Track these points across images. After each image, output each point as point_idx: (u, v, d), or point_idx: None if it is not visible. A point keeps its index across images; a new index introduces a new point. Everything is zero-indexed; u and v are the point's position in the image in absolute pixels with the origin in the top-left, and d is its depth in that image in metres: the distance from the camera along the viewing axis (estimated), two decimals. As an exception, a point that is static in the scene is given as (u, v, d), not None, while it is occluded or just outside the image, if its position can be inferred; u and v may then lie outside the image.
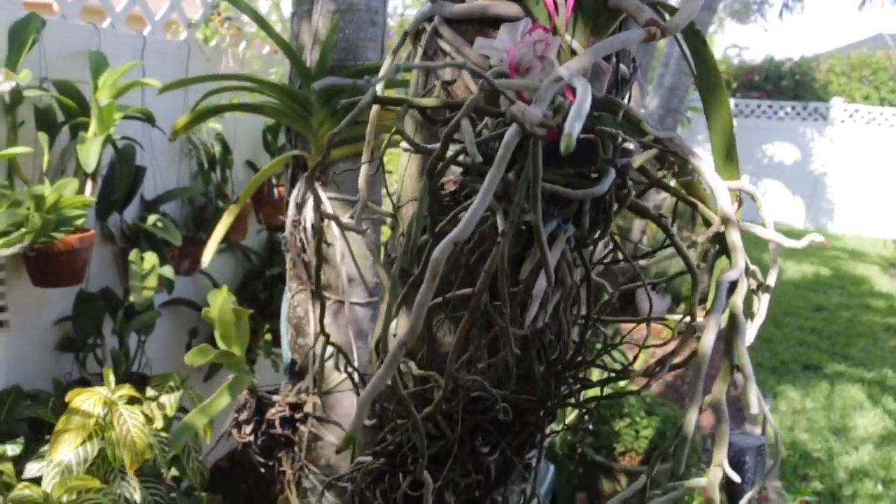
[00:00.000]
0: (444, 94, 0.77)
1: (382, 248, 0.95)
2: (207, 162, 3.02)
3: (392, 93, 1.39)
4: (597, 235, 0.74)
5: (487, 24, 0.76)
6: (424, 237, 0.80)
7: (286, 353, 2.34)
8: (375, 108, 0.91)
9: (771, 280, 0.83)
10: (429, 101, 0.70)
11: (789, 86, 11.66)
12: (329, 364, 1.67)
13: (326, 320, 1.66)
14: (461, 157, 0.73)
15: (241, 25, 3.07)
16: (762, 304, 0.83)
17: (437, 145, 0.80)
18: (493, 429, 0.91)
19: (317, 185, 1.55)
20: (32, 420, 2.36)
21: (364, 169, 0.89)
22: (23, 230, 1.91)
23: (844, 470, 4.07)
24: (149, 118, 2.52)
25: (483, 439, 0.94)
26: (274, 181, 3.40)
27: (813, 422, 4.62)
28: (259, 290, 3.42)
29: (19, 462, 2.15)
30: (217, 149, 3.03)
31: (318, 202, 0.78)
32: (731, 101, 11.40)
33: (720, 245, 0.92)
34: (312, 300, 1.63)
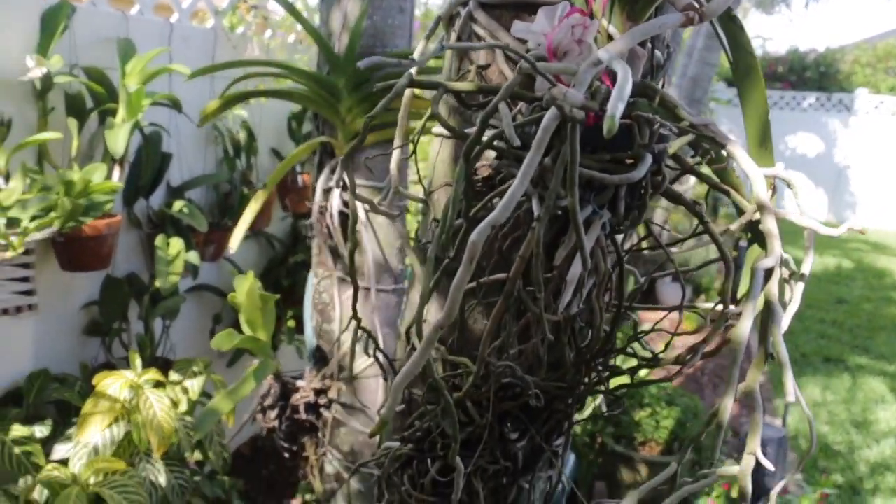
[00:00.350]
0: (479, 78, 0.77)
1: (412, 234, 0.96)
2: (233, 149, 3.04)
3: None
4: (631, 222, 0.74)
5: (522, 8, 0.76)
6: (459, 221, 0.80)
7: (310, 339, 2.36)
8: (408, 93, 0.91)
9: (806, 268, 0.83)
10: (464, 85, 0.70)
11: (813, 77, 11.51)
12: (355, 350, 1.68)
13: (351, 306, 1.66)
14: (496, 142, 0.73)
15: (267, 14, 3.07)
16: (796, 292, 0.82)
17: (473, 129, 0.81)
18: (522, 415, 0.91)
19: (344, 171, 1.55)
20: (59, 403, 2.40)
21: (396, 154, 0.89)
22: (53, 214, 1.93)
23: (865, 463, 4.04)
24: (176, 105, 2.53)
25: (512, 426, 0.94)
26: (298, 168, 3.41)
27: (834, 414, 4.58)
28: (282, 276, 3.44)
29: (47, 444, 2.18)
30: (242, 135, 3.04)
31: (352, 186, 0.79)
32: (756, 92, 11.25)
33: (753, 233, 0.92)
34: (339, 286, 1.63)
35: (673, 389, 3.33)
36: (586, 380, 0.88)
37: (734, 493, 3.28)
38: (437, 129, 0.86)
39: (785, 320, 0.78)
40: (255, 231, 3.35)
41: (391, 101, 0.64)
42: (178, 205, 2.64)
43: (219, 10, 2.98)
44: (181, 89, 2.70)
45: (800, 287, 0.84)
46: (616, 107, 0.51)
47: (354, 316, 0.85)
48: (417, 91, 1.56)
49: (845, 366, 5.39)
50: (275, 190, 3.33)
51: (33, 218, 1.91)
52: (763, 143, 0.87)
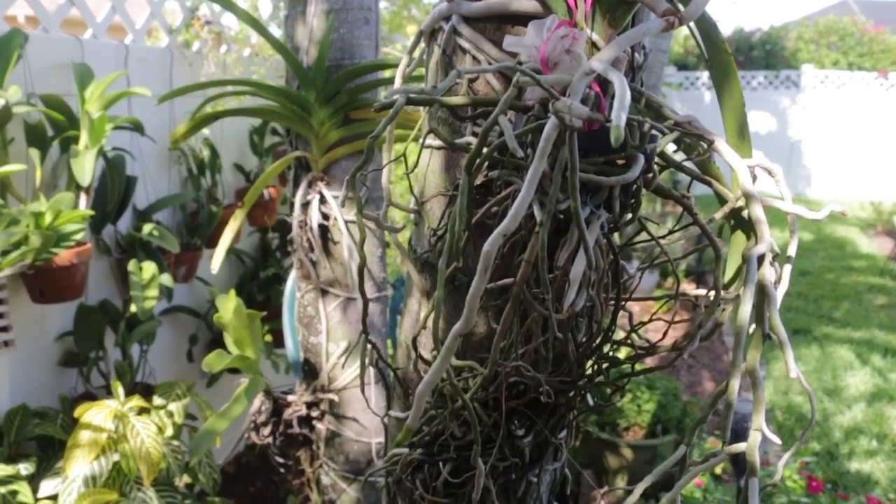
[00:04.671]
0: (469, 90, 0.79)
1: (407, 243, 0.97)
2: (197, 167, 3.01)
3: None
4: (627, 219, 0.76)
5: (505, 20, 0.78)
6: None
7: (291, 352, 2.36)
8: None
9: (791, 250, 0.86)
10: (457, 100, 0.72)
11: (760, 55, 11.75)
12: (342, 361, 1.69)
13: (336, 317, 1.67)
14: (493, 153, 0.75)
15: (220, 29, 3.06)
16: (784, 274, 0.86)
17: (464, 140, 0.83)
18: (528, 412, 0.94)
19: (321, 184, 1.56)
20: (41, 438, 2.36)
21: (387, 170, 0.91)
22: (23, 249, 1.90)
23: (840, 429, 4.15)
24: (138, 128, 2.51)
25: (518, 423, 0.96)
26: (263, 182, 3.40)
27: (806, 385, 4.69)
28: (255, 291, 3.42)
29: (33, 481, 2.15)
30: (206, 153, 3.02)
31: (359, 205, 0.80)
32: (704, 75, 11.47)
33: (736, 220, 0.95)
34: (322, 298, 1.64)
35: (652, 373, 3.39)
36: (588, 372, 0.90)
37: (718, 470, 3.35)
38: (427, 140, 0.88)
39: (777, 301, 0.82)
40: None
41: (391, 120, 0.66)
42: (147, 228, 2.62)
43: (172, 29, 2.96)
44: (141, 111, 2.67)
45: (787, 269, 0.88)
46: (620, 117, 0.53)
47: (364, 331, 0.86)
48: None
49: (813, 336, 5.53)
50: (241, 204, 3.31)
51: (4, 253, 1.88)
52: (741, 135, 0.90)
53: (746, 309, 0.68)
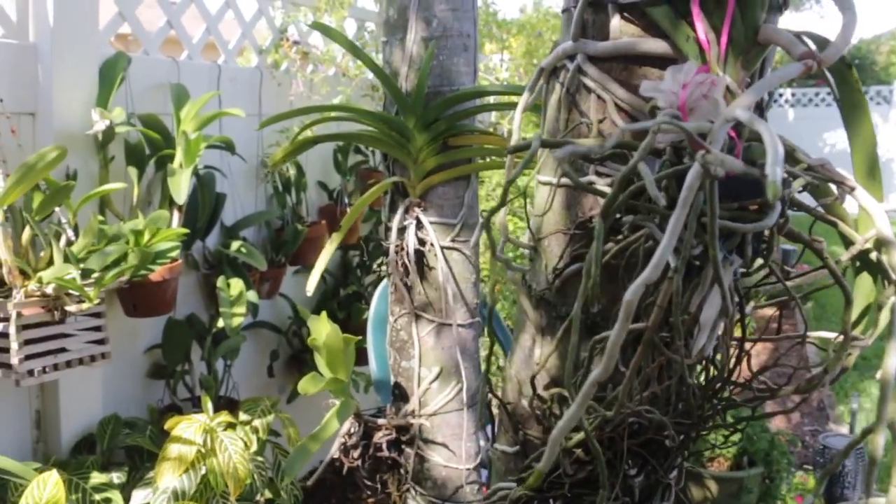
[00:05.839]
0: (598, 132, 0.78)
1: (521, 277, 0.95)
2: (282, 185, 3.07)
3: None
4: (759, 264, 0.74)
5: (632, 60, 0.76)
6: (572, 268, 0.80)
7: (376, 373, 2.36)
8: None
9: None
10: (589, 142, 0.71)
11: (848, 71, 11.32)
12: (434, 387, 1.69)
13: (429, 342, 1.67)
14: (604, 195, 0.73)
15: (308, 49, 3.11)
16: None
17: (587, 179, 0.81)
18: (642, 452, 0.91)
19: (418, 210, 1.57)
20: (130, 447, 2.43)
21: (505, 208, 0.90)
22: (123, 266, 1.96)
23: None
24: (229, 147, 2.57)
25: (631, 462, 0.94)
26: (346, 200, 3.44)
27: (899, 418, 4.48)
28: (336, 309, 3.46)
29: (124, 489, 2.21)
30: (292, 171, 3.07)
31: (493, 246, 0.79)
32: (788, 92, 11.11)
33: (861, 262, 0.91)
34: (416, 323, 1.64)
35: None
36: (708, 414, 0.88)
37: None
38: (543, 177, 0.87)
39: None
40: (306, 265, 3.37)
41: (527, 163, 0.65)
42: (235, 245, 2.67)
43: (262, 49, 3.02)
44: (230, 129, 2.74)
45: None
46: (776, 173, 0.51)
47: (486, 377, 0.85)
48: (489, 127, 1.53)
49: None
50: (324, 224, 3.35)
51: (105, 268, 1.95)
52: (872, 174, 0.86)
53: (893, 361, 0.65)
